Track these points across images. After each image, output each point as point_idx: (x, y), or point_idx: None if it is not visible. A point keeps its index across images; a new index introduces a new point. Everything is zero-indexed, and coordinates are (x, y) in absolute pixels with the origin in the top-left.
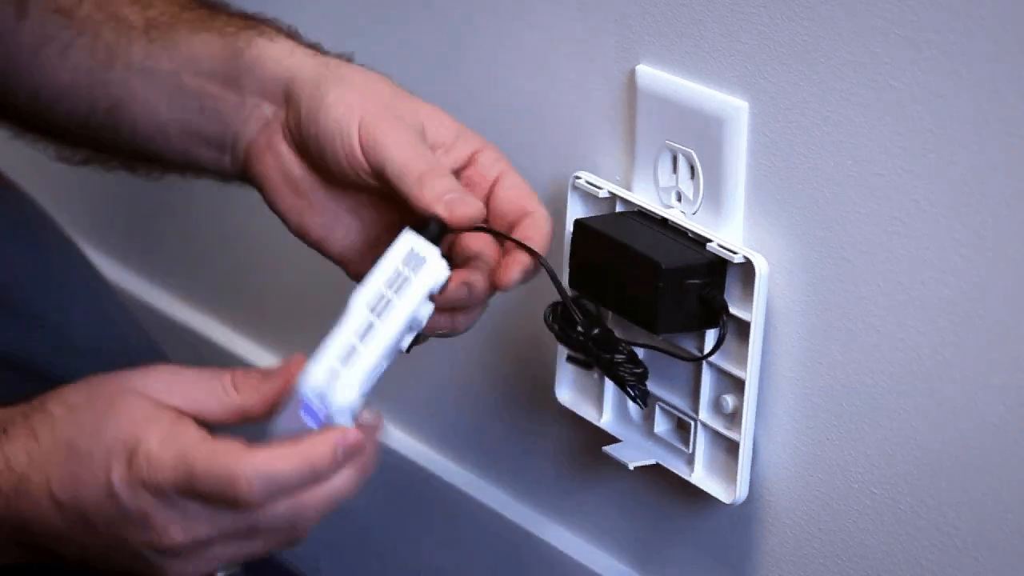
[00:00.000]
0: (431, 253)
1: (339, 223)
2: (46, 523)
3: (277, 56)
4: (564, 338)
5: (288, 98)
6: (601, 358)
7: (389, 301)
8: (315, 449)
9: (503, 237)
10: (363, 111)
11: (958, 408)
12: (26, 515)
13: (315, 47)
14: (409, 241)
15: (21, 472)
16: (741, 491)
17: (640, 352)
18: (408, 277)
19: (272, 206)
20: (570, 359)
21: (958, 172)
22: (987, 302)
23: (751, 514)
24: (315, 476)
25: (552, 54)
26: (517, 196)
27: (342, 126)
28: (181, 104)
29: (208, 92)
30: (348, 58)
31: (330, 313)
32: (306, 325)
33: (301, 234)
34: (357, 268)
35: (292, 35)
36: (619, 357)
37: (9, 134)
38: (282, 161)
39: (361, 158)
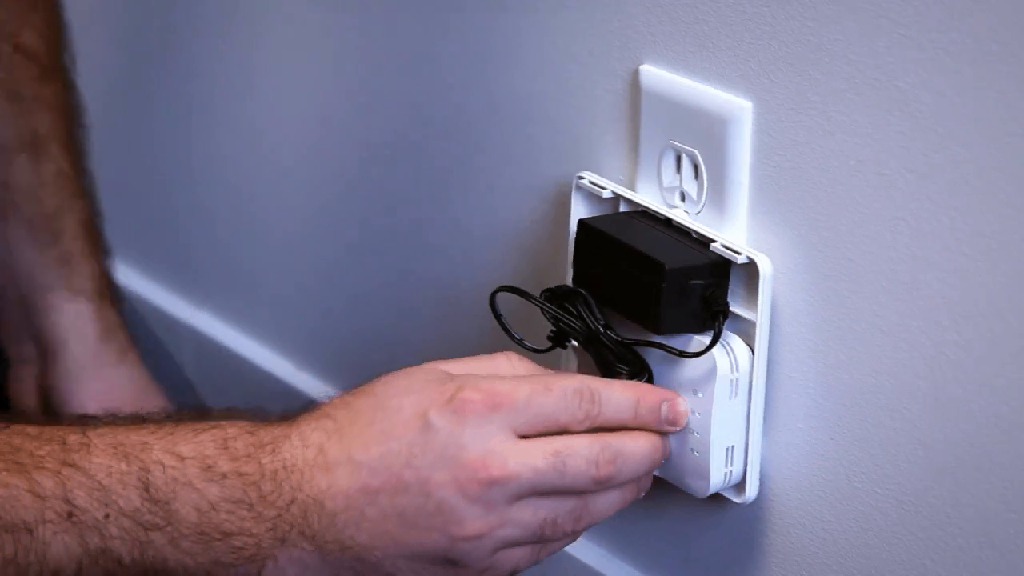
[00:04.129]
0: None
1: None
2: (339, 499)
3: None
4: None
5: None
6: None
7: None
8: (647, 390)
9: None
10: None
11: (962, 408)
12: (317, 495)
13: None
14: None
15: (318, 445)
16: (751, 490)
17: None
18: None
19: None
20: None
21: (962, 172)
22: (991, 302)
23: (756, 513)
24: (635, 413)
25: (555, 54)
26: None
27: None
28: None
29: None
30: None
31: (332, 314)
32: (309, 326)
33: None
34: None
35: None
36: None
37: None
38: None
39: None
